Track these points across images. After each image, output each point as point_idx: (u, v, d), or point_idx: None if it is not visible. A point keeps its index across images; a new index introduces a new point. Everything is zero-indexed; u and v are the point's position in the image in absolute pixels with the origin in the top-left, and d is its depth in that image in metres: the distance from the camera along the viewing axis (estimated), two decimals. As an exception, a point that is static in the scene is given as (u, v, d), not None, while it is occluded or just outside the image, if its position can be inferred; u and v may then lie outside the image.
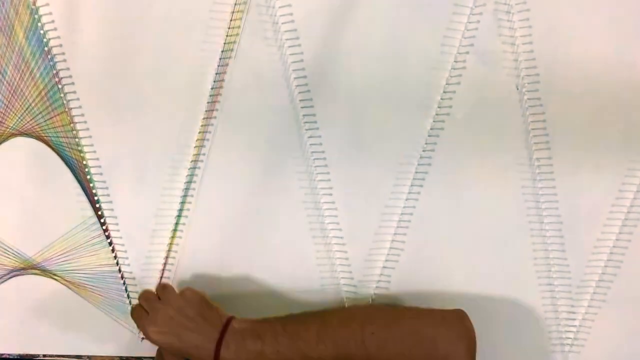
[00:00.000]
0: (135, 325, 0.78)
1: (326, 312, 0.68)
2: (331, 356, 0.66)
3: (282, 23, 0.75)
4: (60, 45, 0.75)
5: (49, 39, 0.75)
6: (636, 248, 0.80)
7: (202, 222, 0.80)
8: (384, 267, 0.81)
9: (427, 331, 0.67)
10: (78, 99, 0.77)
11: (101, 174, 0.78)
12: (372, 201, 0.80)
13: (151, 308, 0.72)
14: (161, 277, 0.81)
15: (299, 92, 0.77)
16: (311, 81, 0.77)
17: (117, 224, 0.80)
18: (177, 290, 0.74)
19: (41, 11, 0.74)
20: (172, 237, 0.80)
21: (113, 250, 0.80)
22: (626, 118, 0.77)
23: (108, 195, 0.79)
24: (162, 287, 0.74)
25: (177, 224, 0.80)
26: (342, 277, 0.81)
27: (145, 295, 0.75)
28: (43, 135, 0.77)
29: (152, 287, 0.78)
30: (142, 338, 0.82)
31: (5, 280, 0.80)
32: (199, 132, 0.78)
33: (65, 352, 0.82)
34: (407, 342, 0.66)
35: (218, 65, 0.76)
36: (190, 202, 0.79)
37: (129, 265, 0.81)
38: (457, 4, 0.75)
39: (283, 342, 0.67)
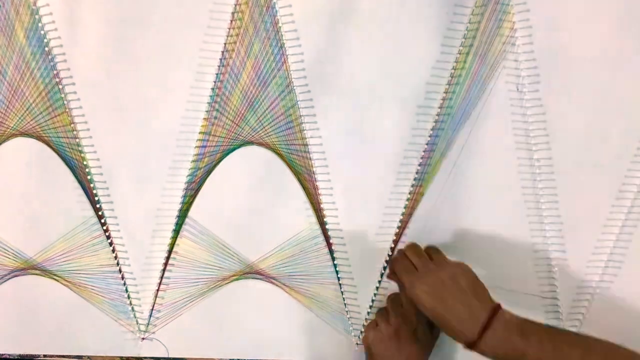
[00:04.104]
0: (134, 325, 0.78)
1: (592, 339, 0.65)
2: None
3: (283, 23, 0.75)
4: (61, 46, 0.75)
5: (50, 39, 0.75)
6: (636, 248, 0.80)
7: (202, 221, 0.80)
8: (385, 267, 0.81)
9: None
10: (78, 99, 0.77)
11: (101, 174, 0.78)
12: (372, 201, 0.80)
13: (423, 266, 0.71)
14: (161, 277, 0.81)
15: (300, 92, 0.77)
16: (311, 81, 0.77)
17: (117, 224, 0.80)
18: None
19: (42, 11, 0.74)
20: (173, 237, 0.80)
21: (113, 251, 0.80)
22: (626, 118, 0.77)
23: (108, 195, 0.79)
24: (435, 250, 0.73)
25: (177, 224, 0.80)
26: (342, 277, 0.81)
27: (414, 249, 0.73)
28: (43, 135, 0.77)
29: (153, 287, 0.79)
30: (143, 338, 0.82)
31: (6, 281, 0.80)
32: (199, 133, 0.78)
33: (66, 352, 0.82)
34: None
35: (219, 66, 0.76)
36: (190, 202, 0.79)
37: (129, 265, 0.81)
38: (458, 4, 0.75)
39: (547, 350, 0.64)
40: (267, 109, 0.77)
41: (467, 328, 0.67)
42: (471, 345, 0.66)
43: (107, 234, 0.80)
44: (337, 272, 0.81)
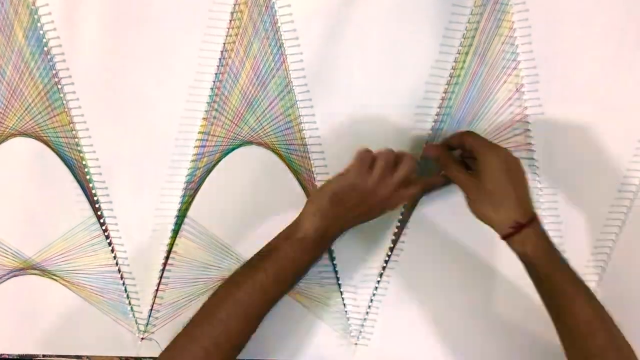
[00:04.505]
0: (133, 325, 0.78)
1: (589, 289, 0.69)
2: None
3: (282, 23, 0.75)
4: (60, 46, 0.75)
5: (49, 39, 0.75)
6: (636, 248, 0.80)
7: (201, 221, 0.80)
8: (384, 266, 0.81)
9: None
10: (77, 99, 0.77)
11: (100, 174, 0.78)
12: (371, 201, 0.80)
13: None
14: (161, 277, 0.81)
15: (299, 92, 0.77)
16: (310, 81, 0.77)
17: (116, 224, 0.80)
18: None
19: (40, 11, 0.74)
20: (172, 237, 0.80)
21: (112, 251, 0.80)
22: (626, 117, 0.77)
23: (107, 195, 0.79)
24: None
25: (176, 223, 0.80)
26: (342, 277, 0.81)
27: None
28: (42, 135, 0.77)
29: (153, 287, 0.79)
30: (142, 338, 0.82)
31: (5, 281, 0.80)
32: (199, 132, 0.78)
33: (65, 352, 0.82)
34: None
35: (218, 65, 0.76)
36: (189, 202, 0.79)
37: (128, 265, 0.81)
38: (457, 4, 0.75)
39: (565, 273, 0.68)
40: (266, 108, 0.77)
41: (523, 209, 0.68)
42: (515, 231, 0.67)
43: (106, 233, 0.80)
44: (336, 271, 0.81)
